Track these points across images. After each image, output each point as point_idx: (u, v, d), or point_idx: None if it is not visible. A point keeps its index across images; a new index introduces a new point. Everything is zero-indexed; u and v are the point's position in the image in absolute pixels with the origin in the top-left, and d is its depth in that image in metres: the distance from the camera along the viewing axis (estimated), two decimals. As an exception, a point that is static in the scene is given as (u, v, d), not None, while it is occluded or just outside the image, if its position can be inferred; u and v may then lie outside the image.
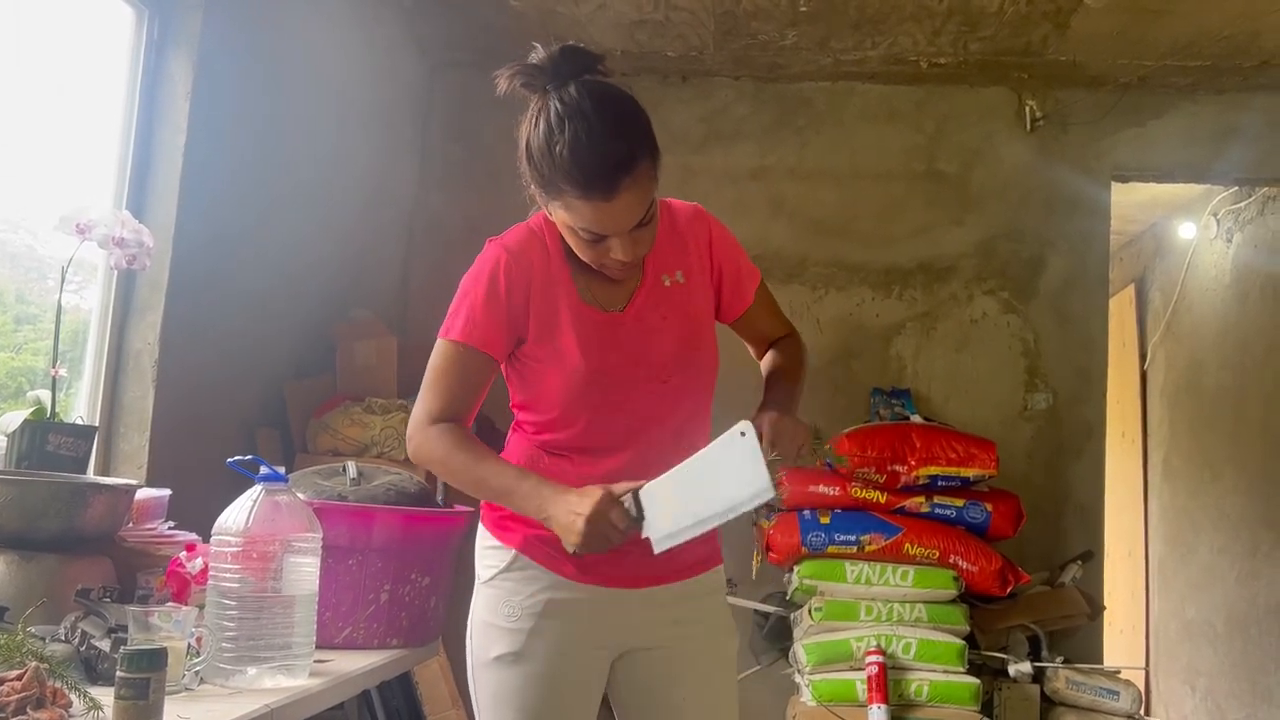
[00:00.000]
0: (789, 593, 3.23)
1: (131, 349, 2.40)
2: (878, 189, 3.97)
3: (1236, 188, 4.50)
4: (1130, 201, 4.78)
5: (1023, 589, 3.25)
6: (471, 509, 1.83)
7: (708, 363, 1.62)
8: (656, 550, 1.41)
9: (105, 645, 1.39)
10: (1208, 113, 3.88)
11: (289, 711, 1.39)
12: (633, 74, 4.00)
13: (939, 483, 3.17)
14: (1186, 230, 5.07)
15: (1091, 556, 3.56)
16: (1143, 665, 5.27)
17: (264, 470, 1.53)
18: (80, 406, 2.36)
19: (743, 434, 1.37)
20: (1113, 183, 3.93)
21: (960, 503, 3.18)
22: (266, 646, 1.44)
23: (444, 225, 3.93)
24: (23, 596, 1.52)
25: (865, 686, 2.92)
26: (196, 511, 1.91)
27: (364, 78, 3.46)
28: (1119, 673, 3.22)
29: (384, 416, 2.88)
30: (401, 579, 1.86)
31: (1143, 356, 5.57)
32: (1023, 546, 3.52)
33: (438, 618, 1.94)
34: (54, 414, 1.91)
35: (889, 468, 3.15)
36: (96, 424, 2.31)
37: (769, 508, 3.38)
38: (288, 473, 1.57)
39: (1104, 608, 3.60)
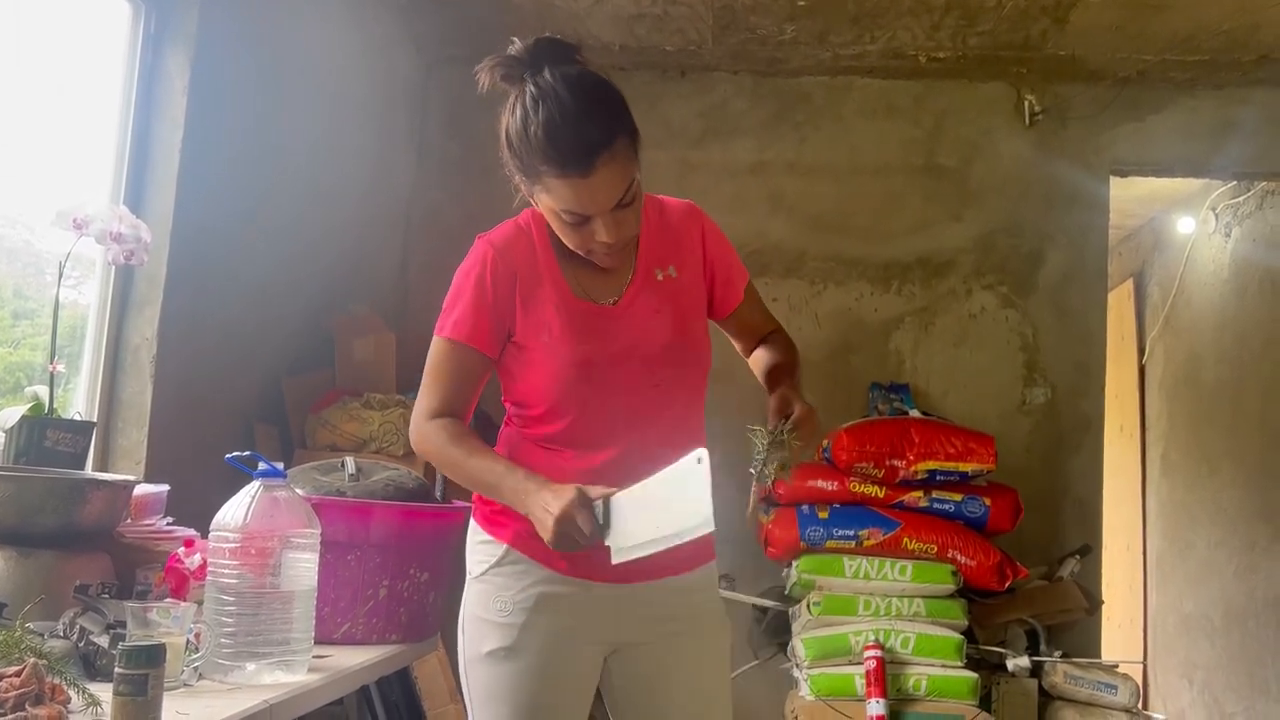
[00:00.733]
0: (787, 587, 3.24)
1: (129, 344, 2.40)
2: (876, 184, 3.97)
3: (1235, 182, 4.50)
4: (1129, 196, 4.78)
5: (1021, 583, 3.26)
6: (469, 504, 1.83)
7: (700, 357, 1.62)
8: (614, 560, 1.40)
9: (104, 641, 1.39)
10: (1207, 107, 3.87)
11: (288, 707, 1.39)
12: (631, 68, 3.99)
13: (937, 477, 3.17)
14: (1185, 225, 5.07)
15: (1090, 551, 3.56)
16: (1140, 659, 5.28)
17: (262, 466, 1.53)
18: (78, 402, 2.36)
19: (699, 461, 1.34)
20: (1111, 177, 3.93)
21: (958, 497, 3.18)
22: (265, 642, 1.44)
23: (441, 220, 3.92)
24: (21, 592, 1.52)
25: (864, 681, 2.93)
26: (195, 507, 1.91)
27: (360, 74, 3.45)
28: (1117, 667, 3.22)
29: (382, 412, 2.88)
30: (400, 574, 1.86)
31: (1141, 351, 5.57)
32: (1021, 541, 3.53)
33: (436, 613, 1.95)
34: (52, 409, 1.91)
35: (887, 463, 3.16)
36: (94, 419, 2.31)
37: (768, 502, 3.38)
38: (286, 468, 1.57)
39: (1102, 602, 3.61)
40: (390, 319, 3.45)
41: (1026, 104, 3.91)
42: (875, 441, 3.17)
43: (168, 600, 1.58)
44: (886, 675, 2.92)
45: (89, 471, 2.08)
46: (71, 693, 1.23)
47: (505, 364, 1.59)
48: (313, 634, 1.53)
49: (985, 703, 3.06)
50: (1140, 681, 4.47)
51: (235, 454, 1.57)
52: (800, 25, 3.62)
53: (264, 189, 2.81)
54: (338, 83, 3.26)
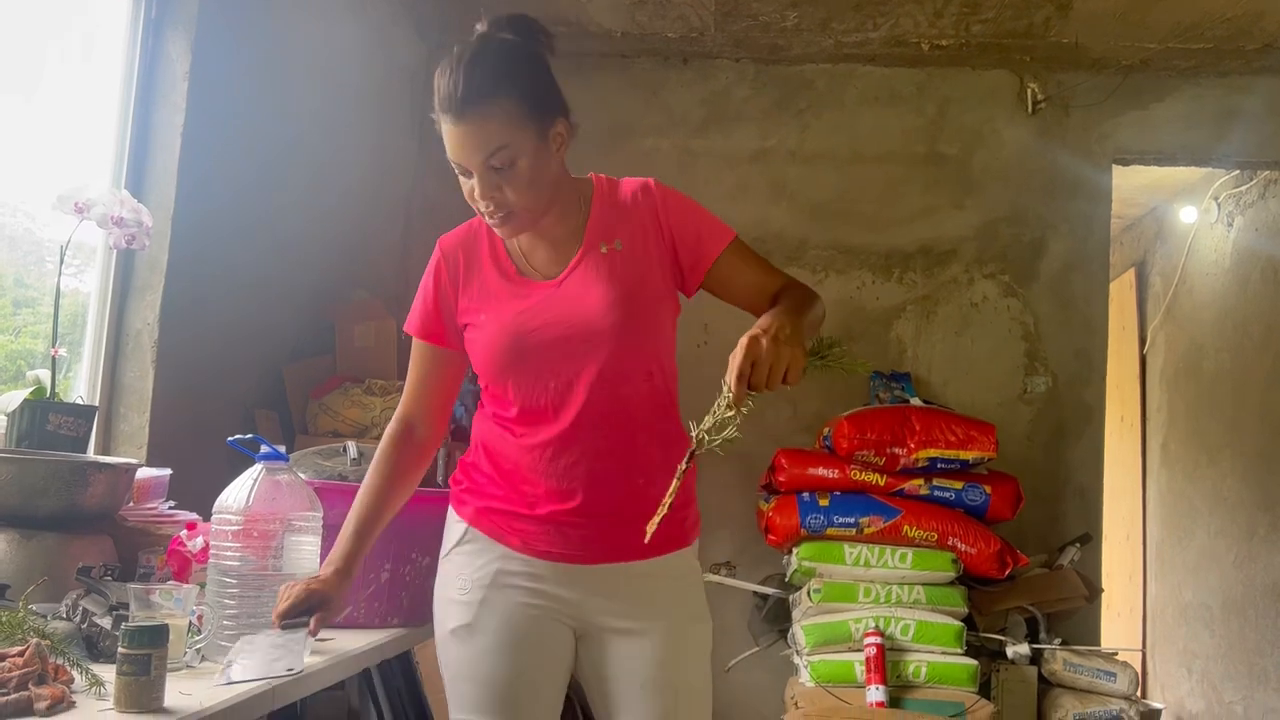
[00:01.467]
0: (788, 574, 3.24)
1: (131, 329, 2.40)
2: (878, 172, 3.96)
3: (1238, 171, 4.49)
4: (1131, 185, 4.77)
5: (1021, 571, 3.26)
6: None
7: (647, 329, 1.57)
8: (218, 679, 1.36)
9: (106, 623, 1.39)
10: (1210, 96, 3.86)
11: (290, 689, 1.39)
12: (633, 55, 3.98)
13: (938, 465, 3.17)
14: (1187, 214, 5.06)
15: (1090, 539, 3.57)
16: (1140, 647, 5.29)
17: (265, 449, 1.53)
18: (80, 387, 2.36)
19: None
20: (1114, 166, 3.91)
21: (959, 485, 3.18)
22: (267, 624, 1.45)
23: (442, 207, 3.87)
24: (23, 574, 1.52)
25: (864, 668, 2.94)
26: (196, 491, 1.92)
27: (362, 60, 3.44)
28: (1116, 655, 3.23)
29: (384, 398, 2.88)
30: (402, 558, 1.87)
31: (1142, 340, 5.57)
32: (1021, 529, 3.53)
33: (438, 597, 1.95)
34: (54, 394, 1.91)
35: (888, 450, 3.16)
36: (96, 404, 2.31)
37: (768, 491, 3.38)
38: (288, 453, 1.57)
39: (1102, 590, 3.61)
40: (391, 305, 3.44)
41: (1029, 92, 3.89)
42: (876, 429, 3.17)
43: (170, 583, 1.59)
44: (886, 662, 2.93)
45: (91, 455, 2.09)
46: (74, 673, 1.23)
47: (466, 348, 1.64)
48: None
49: (985, 690, 3.07)
50: (1139, 670, 4.49)
51: (237, 437, 1.58)
52: (803, 12, 3.61)
53: (265, 174, 2.81)
54: (339, 68, 3.25)
